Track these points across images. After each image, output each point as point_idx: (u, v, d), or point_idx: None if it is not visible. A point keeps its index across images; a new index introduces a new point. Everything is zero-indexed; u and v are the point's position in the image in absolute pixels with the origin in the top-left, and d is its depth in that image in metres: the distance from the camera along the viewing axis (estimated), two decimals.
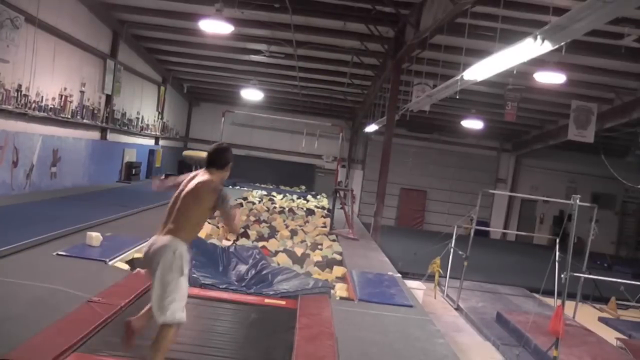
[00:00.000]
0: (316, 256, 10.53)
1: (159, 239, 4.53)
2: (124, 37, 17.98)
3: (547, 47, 6.57)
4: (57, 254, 7.63)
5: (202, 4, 14.34)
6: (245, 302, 6.99)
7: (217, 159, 4.70)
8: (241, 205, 16.53)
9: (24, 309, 5.36)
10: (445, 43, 12.95)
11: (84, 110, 15.70)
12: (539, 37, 6.50)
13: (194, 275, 7.30)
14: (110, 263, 7.71)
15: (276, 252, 10.26)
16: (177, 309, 4.40)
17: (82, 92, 15.52)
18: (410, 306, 7.51)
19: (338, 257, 10.78)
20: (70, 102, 14.73)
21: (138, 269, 7.69)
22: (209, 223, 12.11)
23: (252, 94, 23.59)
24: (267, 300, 7.15)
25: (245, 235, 11.56)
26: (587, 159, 23.76)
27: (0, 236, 7.90)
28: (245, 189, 23.17)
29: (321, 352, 5.24)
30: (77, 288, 6.18)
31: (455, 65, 12.70)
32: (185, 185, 4.69)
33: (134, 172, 20.25)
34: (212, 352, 5.20)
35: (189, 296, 6.43)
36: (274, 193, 22.79)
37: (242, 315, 6.40)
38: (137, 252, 8.68)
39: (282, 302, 7.14)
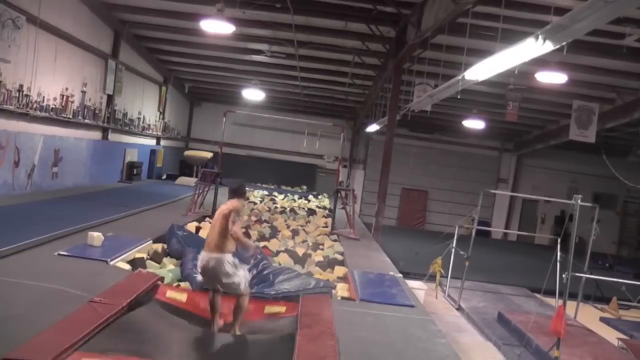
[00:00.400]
0: (317, 256, 10.53)
1: (212, 257, 6.34)
2: (125, 37, 18.00)
3: (548, 47, 6.58)
4: (59, 254, 7.63)
5: (203, 4, 14.35)
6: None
7: (238, 191, 6.84)
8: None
9: (25, 308, 5.37)
10: (447, 43, 12.94)
11: (85, 110, 15.71)
12: (540, 37, 6.51)
13: (197, 278, 7.32)
14: (111, 263, 7.70)
15: (277, 252, 10.26)
16: (245, 286, 6.49)
17: (83, 92, 15.52)
18: (412, 306, 7.50)
19: (339, 257, 10.78)
20: (72, 102, 14.75)
21: (139, 269, 7.71)
22: None
23: (253, 94, 23.61)
24: (267, 309, 7.15)
25: (247, 235, 11.56)
26: (589, 159, 23.75)
27: (2, 236, 7.91)
28: (246, 189, 23.14)
29: (322, 352, 5.24)
30: (79, 288, 6.18)
31: (456, 65, 12.70)
32: (218, 212, 6.65)
33: (135, 172, 20.27)
34: (215, 352, 5.20)
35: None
36: (275, 193, 22.80)
37: None
38: (138, 252, 8.71)
39: (282, 309, 7.12)
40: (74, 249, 7.98)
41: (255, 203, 17.88)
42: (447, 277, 13.37)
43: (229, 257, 6.37)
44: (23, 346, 4.43)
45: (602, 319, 12.57)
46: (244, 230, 11.78)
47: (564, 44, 6.55)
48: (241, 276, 6.46)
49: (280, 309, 7.13)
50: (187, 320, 6.49)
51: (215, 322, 6.48)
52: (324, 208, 19.74)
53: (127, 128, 19.60)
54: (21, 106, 12.31)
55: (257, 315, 6.95)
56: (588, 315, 12.25)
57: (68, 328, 4.98)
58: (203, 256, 6.48)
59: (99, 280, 6.70)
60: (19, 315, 5.16)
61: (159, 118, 23.42)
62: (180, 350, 5.15)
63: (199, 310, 6.82)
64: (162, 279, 7.42)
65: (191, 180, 20.04)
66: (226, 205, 6.64)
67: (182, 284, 7.64)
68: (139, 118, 20.76)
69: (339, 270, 9.48)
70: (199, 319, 6.63)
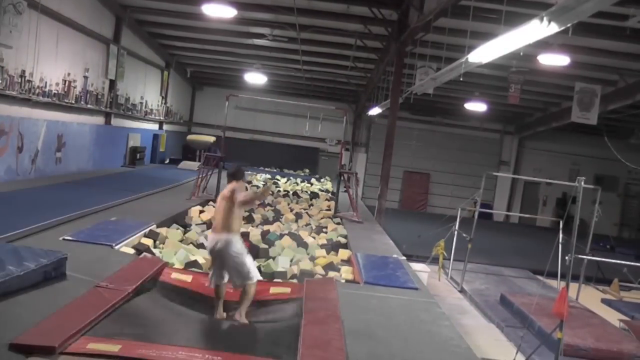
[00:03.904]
0: (321, 239, 10.57)
1: (220, 238, 6.39)
2: (127, 22, 17.94)
3: (553, 28, 6.55)
4: (64, 239, 7.67)
5: None
6: None
7: (237, 175, 6.76)
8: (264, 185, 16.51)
9: (32, 293, 5.40)
10: (450, 26, 12.88)
11: (88, 95, 15.71)
12: (545, 18, 6.49)
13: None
14: (116, 247, 7.75)
15: (281, 235, 10.29)
16: (254, 272, 6.53)
17: (85, 77, 15.50)
18: (416, 289, 7.54)
19: (343, 240, 10.83)
20: (74, 87, 14.74)
21: (145, 253, 7.75)
22: None
23: (255, 78, 23.57)
24: (272, 290, 7.19)
25: (250, 219, 11.62)
26: (590, 141, 23.77)
27: (7, 221, 7.95)
28: (249, 172, 23.22)
29: (328, 335, 5.29)
30: (84, 273, 6.22)
31: (459, 48, 12.63)
32: (220, 196, 6.76)
33: (138, 156, 20.31)
34: (221, 336, 5.25)
35: None
36: (278, 176, 22.83)
37: None
38: (142, 237, 8.75)
39: (287, 290, 7.17)
40: (79, 233, 8.01)
41: (258, 187, 17.90)
42: (449, 259, 13.43)
43: (236, 238, 6.44)
44: (31, 331, 4.47)
45: (604, 301, 12.64)
46: (246, 214, 11.84)
47: (569, 25, 6.53)
48: (249, 262, 6.50)
49: (285, 289, 7.19)
50: (192, 302, 6.53)
51: (219, 310, 6.39)
52: (327, 191, 19.77)
53: (130, 113, 19.60)
54: (24, 92, 12.31)
55: (263, 295, 6.96)
56: (589, 297, 12.33)
57: (75, 313, 5.03)
58: (211, 238, 6.61)
59: (105, 265, 6.74)
60: (26, 300, 5.20)
61: (162, 103, 23.40)
62: (186, 335, 5.20)
63: (205, 290, 6.84)
64: (167, 263, 7.47)
65: (194, 165, 20.06)
66: (227, 188, 6.66)
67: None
68: (141, 103, 20.76)
69: (343, 253, 9.53)
70: (205, 300, 6.65)
